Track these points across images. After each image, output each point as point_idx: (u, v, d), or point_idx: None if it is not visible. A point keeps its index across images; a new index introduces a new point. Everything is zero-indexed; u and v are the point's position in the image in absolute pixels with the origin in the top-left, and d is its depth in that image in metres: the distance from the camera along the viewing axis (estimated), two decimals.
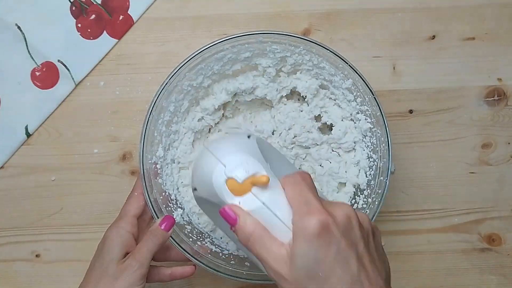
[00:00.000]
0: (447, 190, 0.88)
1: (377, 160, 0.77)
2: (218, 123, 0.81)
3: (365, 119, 0.77)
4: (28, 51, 0.85)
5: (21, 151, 0.86)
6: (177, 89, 0.75)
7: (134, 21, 0.86)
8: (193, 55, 0.73)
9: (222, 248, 0.78)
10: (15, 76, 0.85)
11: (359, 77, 0.74)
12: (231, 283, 0.80)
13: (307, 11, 0.86)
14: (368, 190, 0.77)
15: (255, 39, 0.74)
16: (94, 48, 0.85)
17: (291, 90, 0.80)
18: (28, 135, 0.86)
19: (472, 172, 0.88)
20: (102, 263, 0.69)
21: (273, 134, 0.81)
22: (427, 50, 0.87)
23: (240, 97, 0.80)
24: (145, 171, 0.73)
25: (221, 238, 0.79)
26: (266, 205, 0.56)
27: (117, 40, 0.85)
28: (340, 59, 0.74)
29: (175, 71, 0.73)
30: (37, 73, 0.85)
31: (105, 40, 0.85)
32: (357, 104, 0.77)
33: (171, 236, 0.72)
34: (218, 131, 0.82)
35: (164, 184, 0.77)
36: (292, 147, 0.81)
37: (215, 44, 0.73)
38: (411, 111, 0.87)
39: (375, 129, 0.76)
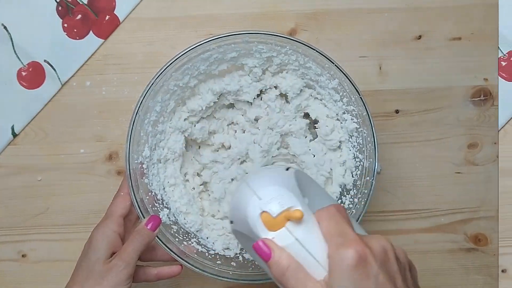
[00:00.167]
0: (434, 190, 0.88)
1: (363, 160, 0.77)
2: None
3: (351, 119, 0.77)
4: (14, 51, 0.85)
5: (7, 151, 0.86)
6: (163, 89, 0.75)
7: (121, 21, 0.85)
8: (179, 55, 0.73)
9: (208, 248, 0.78)
10: (1, 76, 0.85)
11: (345, 77, 0.74)
12: (217, 283, 0.80)
13: (294, 11, 0.86)
14: (354, 190, 0.77)
15: (241, 39, 0.74)
16: (81, 48, 0.85)
17: (274, 87, 0.80)
18: (15, 135, 0.85)
19: (459, 172, 0.88)
20: (89, 263, 0.69)
21: (257, 121, 0.81)
22: (413, 50, 0.87)
23: (225, 100, 0.81)
24: (131, 171, 0.73)
25: (207, 238, 0.79)
26: (299, 241, 0.55)
27: (103, 40, 0.85)
28: (326, 59, 0.74)
29: (161, 71, 0.73)
30: (23, 73, 0.85)
31: (91, 40, 0.85)
32: (343, 104, 0.77)
33: (157, 236, 0.72)
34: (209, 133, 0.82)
35: (151, 184, 0.77)
36: (276, 140, 0.81)
37: (201, 44, 0.73)
38: (397, 111, 0.87)
39: (361, 129, 0.76)
